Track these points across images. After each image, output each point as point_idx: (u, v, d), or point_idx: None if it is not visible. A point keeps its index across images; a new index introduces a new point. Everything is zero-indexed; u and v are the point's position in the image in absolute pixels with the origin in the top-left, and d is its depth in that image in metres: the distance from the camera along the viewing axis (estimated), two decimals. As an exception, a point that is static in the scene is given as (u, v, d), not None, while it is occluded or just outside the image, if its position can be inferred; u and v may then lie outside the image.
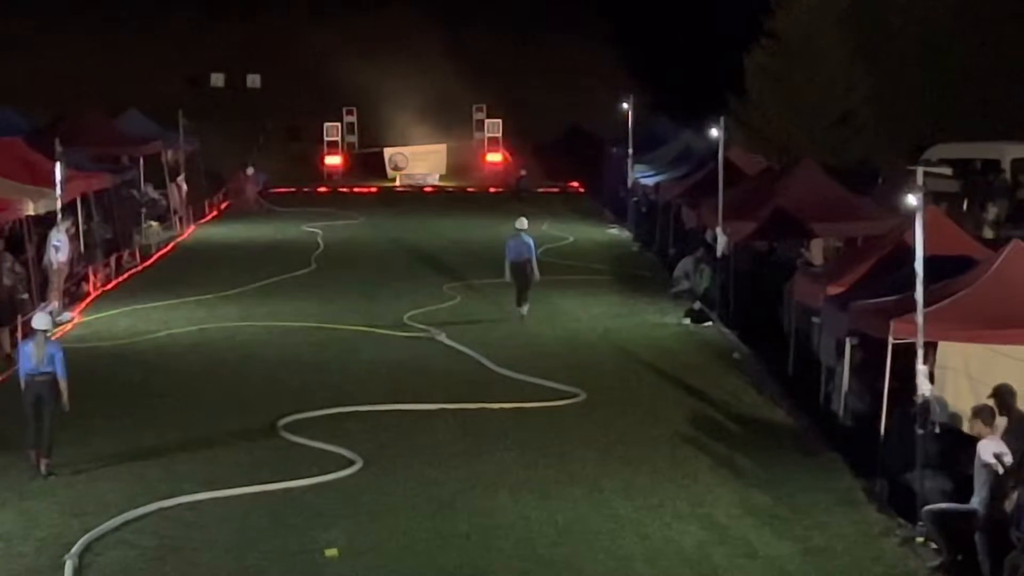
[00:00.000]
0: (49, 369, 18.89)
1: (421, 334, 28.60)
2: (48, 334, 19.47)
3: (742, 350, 27.28)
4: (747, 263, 30.97)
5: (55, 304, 29.72)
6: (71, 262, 31.48)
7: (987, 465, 15.57)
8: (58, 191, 30.61)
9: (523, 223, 30.46)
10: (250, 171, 54.02)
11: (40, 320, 19.53)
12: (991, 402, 16.75)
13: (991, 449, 15.70)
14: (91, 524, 16.86)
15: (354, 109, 64.32)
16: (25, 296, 29.00)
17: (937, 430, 17.55)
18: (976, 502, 15.67)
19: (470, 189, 60.22)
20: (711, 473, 19.28)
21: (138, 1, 69.13)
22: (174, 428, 21.42)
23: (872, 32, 52.89)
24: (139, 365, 24.99)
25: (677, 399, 23.56)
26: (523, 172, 59.83)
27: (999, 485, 15.29)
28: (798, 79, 51.18)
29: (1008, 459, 15.56)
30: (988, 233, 35.75)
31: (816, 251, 30.85)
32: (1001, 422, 16.59)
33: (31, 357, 18.97)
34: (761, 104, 51.53)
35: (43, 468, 18.85)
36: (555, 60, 68.36)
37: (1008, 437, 16.19)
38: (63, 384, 18.99)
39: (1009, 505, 14.70)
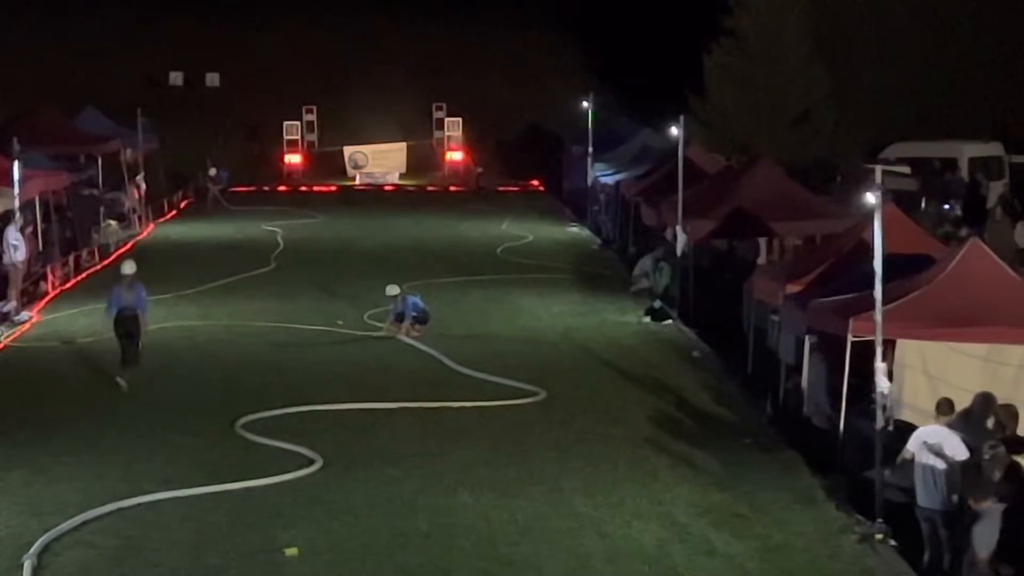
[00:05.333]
0: (135, 306, 23.73)
1: (381, 333, 28.57)
2: (132, 278, 24.03)
3: (702, 348, 27.37)
4: (707, 261, 31.09)
5: (14, 303, 29.57)
6: (28, 261, 31.33)
7: (942, 459, 15.66)
8: (16, 190, 30.46)
9: (394, 289, 28.86)
10: (212, 172, 53.86)
11: (128, 266, 24.42)
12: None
13: (938, 440, 15.76)
14: (50, 524, 16.79)
15: (314, 108, 64.09)
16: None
17: (892, 427, 17.64)
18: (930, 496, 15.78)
19: (430, 188, 60.12)
20: (671, 471, 19.34)
21: (96, -1, 68.76)
22: (133, 428, 21.35)
23: (831, 31, 53.04)
24: (98, 364, 24.85)
25: (637, 397, 23.61)
26: (480, 170, 59.79)
27: (955, 480, 15.41)
28: (757, 78, 51.26)
29: (948, 452, 15.62)
30: (943, 231, 35.84)
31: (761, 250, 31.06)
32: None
33: (121, 297, 23.77)
34: (720, 103, 51.56)
35: (125, 375, 23.35)
36: (515, 58, 68.32)
37: (961, 429, 16.24)
38: (143, 318, 23.92)
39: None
